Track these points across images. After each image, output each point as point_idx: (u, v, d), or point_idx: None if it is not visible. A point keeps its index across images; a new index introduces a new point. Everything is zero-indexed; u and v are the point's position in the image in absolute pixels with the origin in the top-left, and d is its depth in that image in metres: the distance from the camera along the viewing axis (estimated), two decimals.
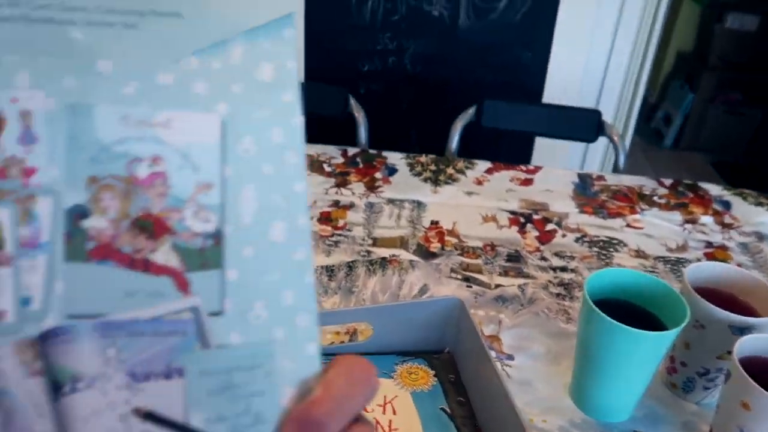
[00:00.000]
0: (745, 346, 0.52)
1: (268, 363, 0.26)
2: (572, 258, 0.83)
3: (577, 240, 0.88)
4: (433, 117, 1.73)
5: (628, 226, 0.92)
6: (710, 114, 3.02)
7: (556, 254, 0.84)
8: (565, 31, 1.68)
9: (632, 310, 0.58)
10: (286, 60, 0.27)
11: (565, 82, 1.75)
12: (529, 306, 0.74)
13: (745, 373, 0.48)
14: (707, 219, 0.95)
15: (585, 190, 1.01)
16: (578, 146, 1.96)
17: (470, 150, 1.24)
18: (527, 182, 1.02)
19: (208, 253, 0.26)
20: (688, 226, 0.93)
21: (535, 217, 0.93)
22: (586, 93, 1.83)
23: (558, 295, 0.76)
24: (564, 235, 0.89)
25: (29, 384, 0.23)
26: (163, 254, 0.25)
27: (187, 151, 0.26)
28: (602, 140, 1.24)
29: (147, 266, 0.25)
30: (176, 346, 0.25)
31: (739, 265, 0.84)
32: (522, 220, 0.92)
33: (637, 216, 0.94)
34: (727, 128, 3.01)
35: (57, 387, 0.23)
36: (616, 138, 1.17)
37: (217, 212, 0.26)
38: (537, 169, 1.07)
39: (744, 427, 0.49)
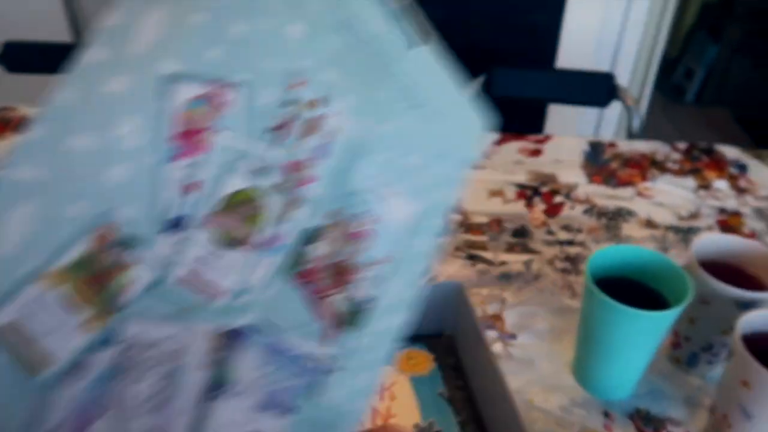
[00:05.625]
0: (749, 322, 0.51)
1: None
2: (580, 231, 0.82)
3: (585, 212, 0.86)
4: None
5: (639, 194, 0.90)
6: (735, 67, 2.91)
7: (564, 227, 0.83)
8: None
9: (636, 288, 0.57)
10: None
11: (580, 43, 1.70)
12: (533, 282, 0.73)
13: (745, 352, 0.47)
14: (722, 184, 0.92)
15: (596, 159, 0.99)
16: (592, 113, 1.91)
17: None
18: (536, 153, 1.01)
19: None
20: (702, 192, 0.91)
21: (543, 189, 0.91)
22: (602, 53, 1.77)
23: (564, 270, 0.75)
24: (572, 208, 0.87)
25: (197, 375, 0.25)
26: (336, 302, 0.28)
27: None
28: (618, 105, 1.21)
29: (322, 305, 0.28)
30: (300, 387, 0.27)
31: (752, 232, 0.82)
32: (529, 193, 0.90)
33: (648, 184, 0.92)
34: (754, 82, 2.90)
35: (215, 386, 0.25)
36: (629, 102, 1.14)
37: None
38: (548, 138, 1.05)
39: (745, 405, 0.48)
